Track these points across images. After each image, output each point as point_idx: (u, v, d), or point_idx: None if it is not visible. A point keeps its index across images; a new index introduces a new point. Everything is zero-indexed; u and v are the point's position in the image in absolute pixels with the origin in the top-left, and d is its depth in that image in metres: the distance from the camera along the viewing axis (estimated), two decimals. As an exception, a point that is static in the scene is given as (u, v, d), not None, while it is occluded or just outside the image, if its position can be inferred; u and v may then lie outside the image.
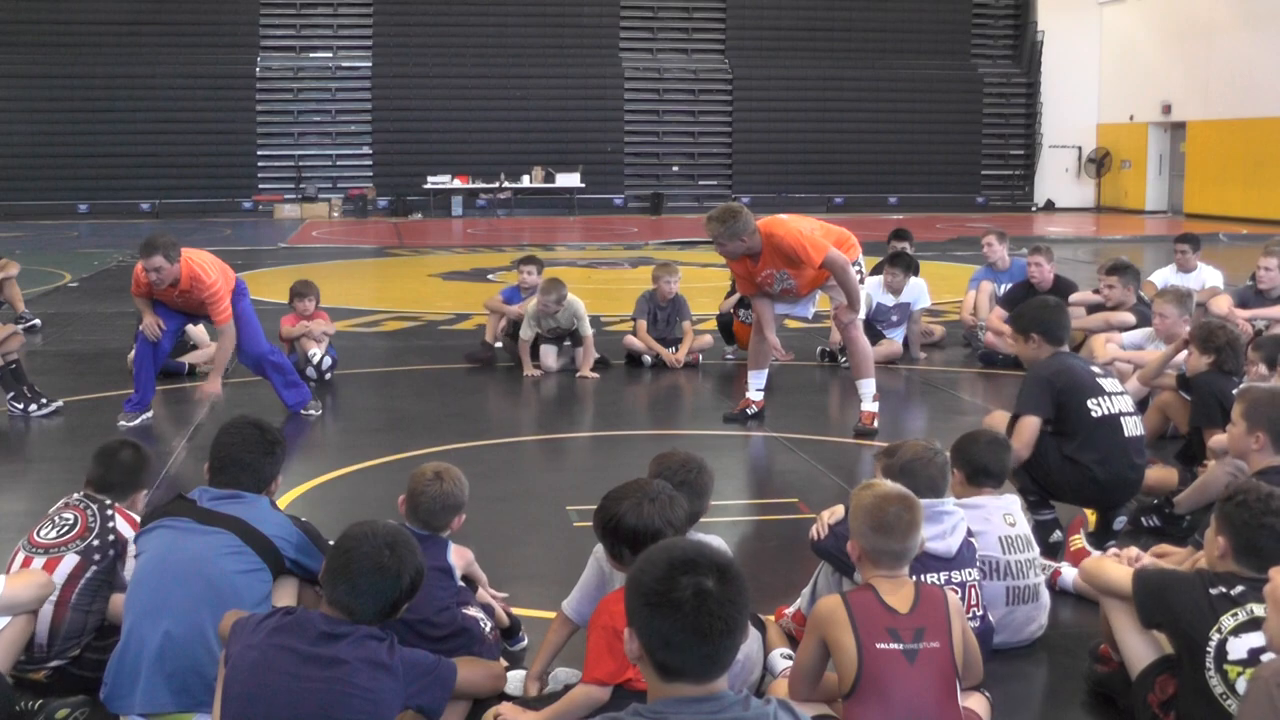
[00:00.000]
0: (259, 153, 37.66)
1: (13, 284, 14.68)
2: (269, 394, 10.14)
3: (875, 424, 9.33)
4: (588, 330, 11.76)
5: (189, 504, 4.73)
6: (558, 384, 11.51)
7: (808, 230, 9.22)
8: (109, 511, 5.08)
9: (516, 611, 5.40)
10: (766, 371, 9.87)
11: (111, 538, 5.01)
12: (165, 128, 36.39)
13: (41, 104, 36.15)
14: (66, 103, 36.31)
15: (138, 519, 5.06)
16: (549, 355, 11.81)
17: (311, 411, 10.03)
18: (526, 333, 11.76)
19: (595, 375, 11.58)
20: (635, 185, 39.10)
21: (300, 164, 37.85)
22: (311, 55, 38.46)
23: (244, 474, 4.79)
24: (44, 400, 10.05)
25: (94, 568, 4.93)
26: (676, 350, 12.12)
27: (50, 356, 12.76)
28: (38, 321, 14.79)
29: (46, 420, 9.93)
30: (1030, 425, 6.33)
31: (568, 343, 11.89)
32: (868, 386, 9.40)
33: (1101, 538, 6.43)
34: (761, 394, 9.84)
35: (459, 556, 4.98)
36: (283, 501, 7.27)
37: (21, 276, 15.09)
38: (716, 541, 4.00)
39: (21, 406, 9.98)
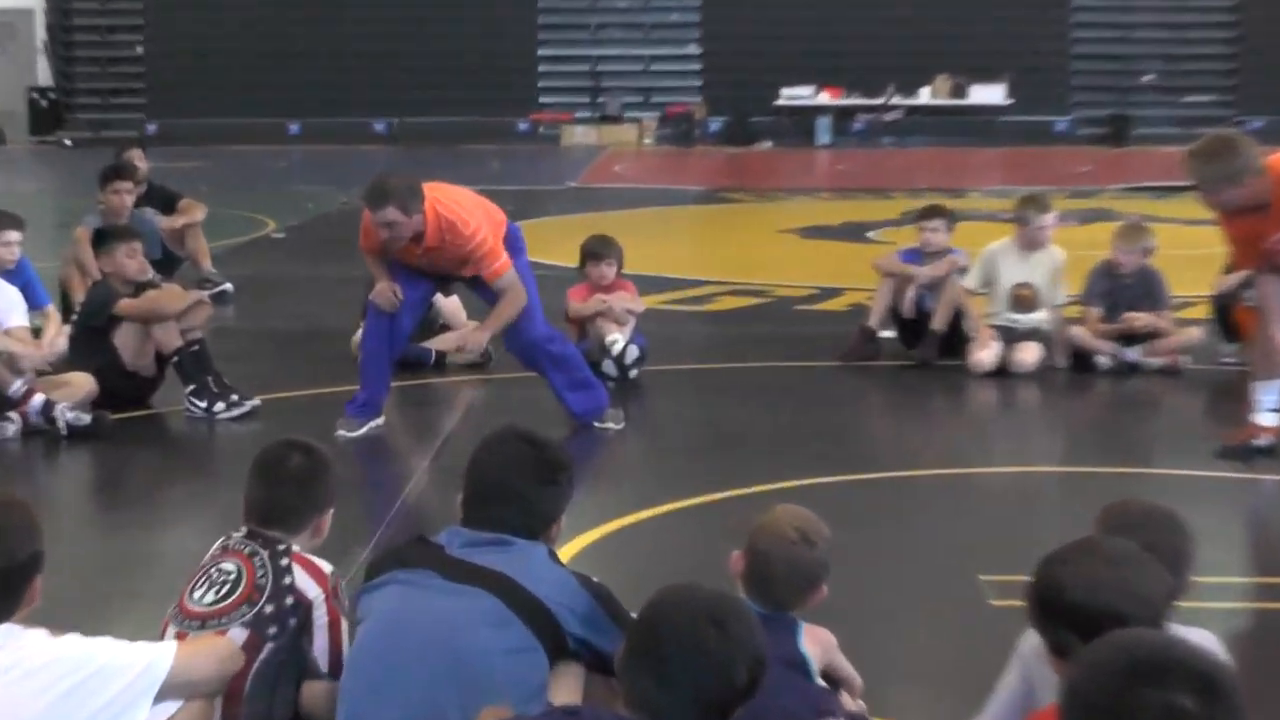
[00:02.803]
0: (540, 53, 38.62)
1: (197, 233, 15.42)
2: (547, 398, 10.30)
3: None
4: (1061, 299, 12.11)
5: (434, 551, 4.78)
6: (978, 392, 11.57)
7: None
8: (284, 561, 5.06)
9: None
10: None
11: (289, 601, 4.98)
12: (407, 21, 37.61)
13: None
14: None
15: (324, 567, 5.11)
16: (1028, 350, 11.76)
17: (609, 424, 10.15)
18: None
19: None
20: (1087, 103, 38.49)
21: (598, 70, 38.63)
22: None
23: (513, 511, 4.82)
24: (235, 397, 10.48)
25: (270, 644, 4.93)
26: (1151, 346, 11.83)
27: (246, 336, 13.37)
28: (229, 286, 15.49)
29: (238, 425, 10.36)
30: None
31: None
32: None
33: None
34: (1277, 417, 9.51)
35: (815, 643, 4.91)
36: (565, 552, 7.35)
37: (209, 224, 15.86)
38: (1204, 638, 3.87)
39: (205, 404, 10.43)
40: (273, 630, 4.96)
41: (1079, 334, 12.05)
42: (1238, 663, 4.04)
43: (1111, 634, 2.98)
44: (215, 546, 5.23)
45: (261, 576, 5.03)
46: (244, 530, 5.20)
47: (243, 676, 4.89)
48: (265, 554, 5.09)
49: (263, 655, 4.95)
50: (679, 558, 7.45)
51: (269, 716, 4.97)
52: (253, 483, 5.28)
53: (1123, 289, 12.09)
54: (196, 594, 5.06)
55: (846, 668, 5.20)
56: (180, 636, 4.93)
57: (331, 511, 5.36)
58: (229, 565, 5.11)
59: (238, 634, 4.92)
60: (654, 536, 8.06)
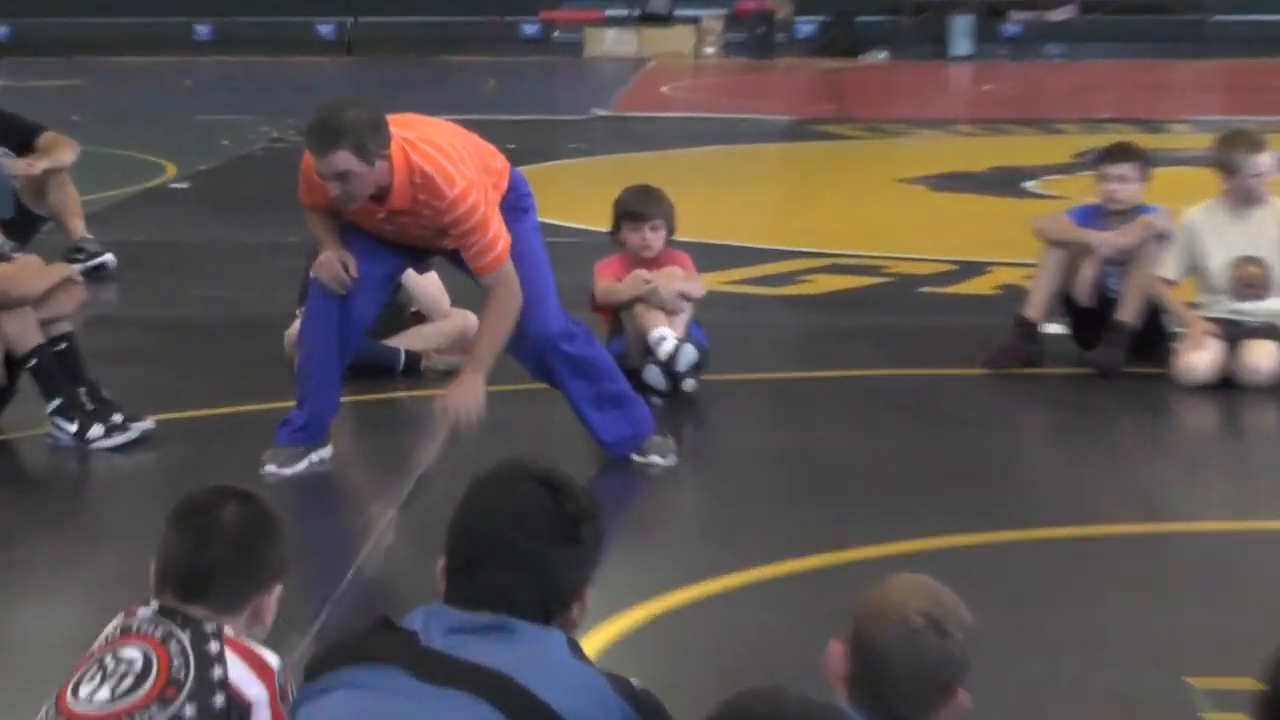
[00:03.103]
0: (555, -77, 38.75)
1: (64, 182, 15.40)
2: (566, 419, 10.32)
3: None
4: None
5: (403, 640, 4.79)
6: (1188, 413, 11.56)
7: None
8: (212, 646, 5.10)
9: None
10: None
11: (219, 701, 5.02)
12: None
13: None
14: None
15: (269, 659, 5.13)
16: (1262, 352, 11.72)
17: (653, 458, 10.16)
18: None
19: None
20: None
21: (638, -54, 38.78)
22: None
23: (519, 582, 4.81)
24: (118, 418, 10.48)
25: None
26: None
27: (135, 328, 13.44)
28: (110, 258, 15.55)
29: (122, 456, 10.38)
30: None
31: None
32: None
33: None
34: None
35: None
36: (592, 642, 7.36)
37: (81, 169, 15.92)
38: None
39: (75, 428, 10.44)
40: None
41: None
42: None
43: None
44: (111, 627, 5.20)
45: (179, 667, 5.03)
46: (154, 606, 5.18)
47: None
48: (185, 636, 5.08)
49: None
50: (752, 651, 7.42)
51: None
52: (171, 541, 5.27)
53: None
54: (83, 690, 5.04)
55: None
56: None
57: (280, 589, 5.34)
58: (131, 652, 5.08)
59: None
60: (717, 620, 8.05)
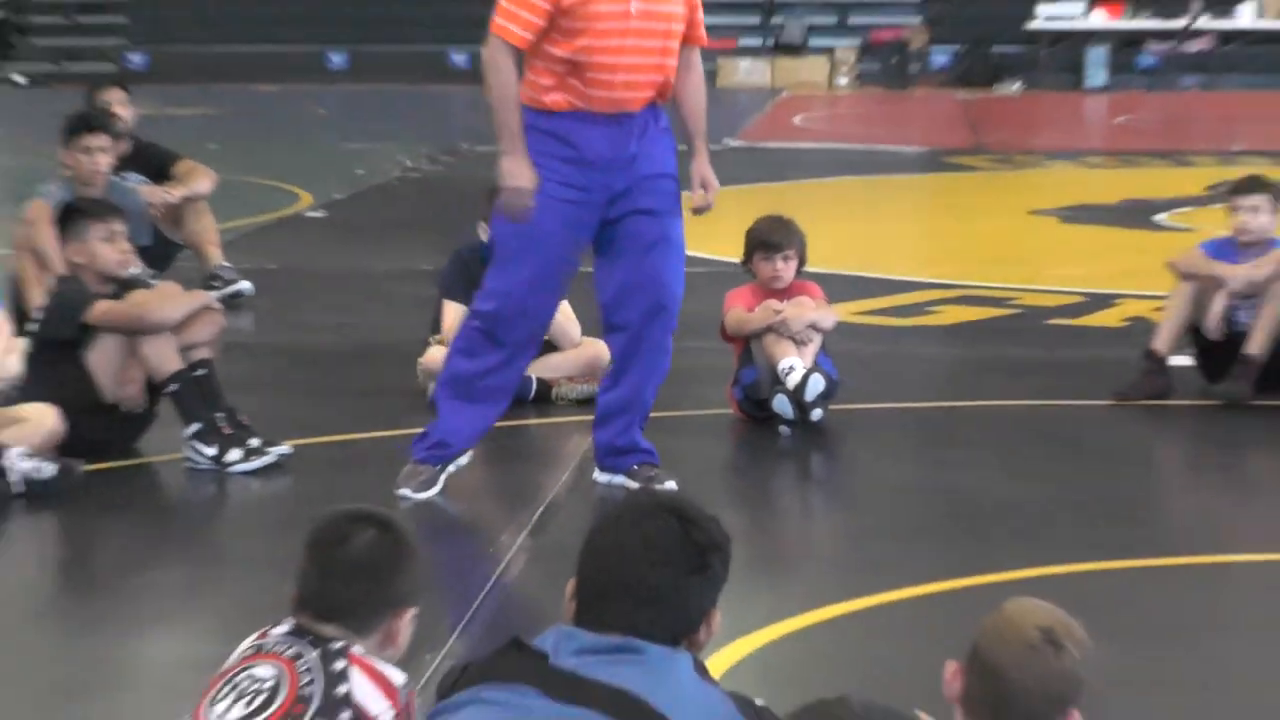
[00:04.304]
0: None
1: (202, 211, 15.51)
2: (695, 449, 10.36)
3: None
4: None
5: (534, 660, 4.85)
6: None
7: None
8: (339, 664, 5.17)
9: None
10: None
11: (344, 716, 5.12)
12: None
13: None
14: None
15: (394, 678, 5.20)
16: None
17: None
18: None
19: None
20: None
21: (771, -22, 38.77)
22: None
23: (648, 609, 4.87)
24: (255, 442, 10.59)
25: None
26: None
27: (269, 354, 13.58)
28: (245, 285, 15.65)
29: (258, 481, 10.49)
30: None
31: None
32: None
33: None
34: None
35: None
36: (718, 664, 7.43)
37: (219, 197, 16.01)
38: None
39: (213, 452, 10.54)
40: None
41: None
42: None
43: None
44: (245, 645, 5.30)
45: (307, 684, 5.11)
46: (288, 626, 5.29)
47: None
48: (314, 655, 5.17)
49: (303, 793, 5.07)
50: (877, 671, 7.46)
51: None
52: (307, 563, 5.36)
53: None
54: (218, 708, 5.13)
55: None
56: None
57: (413, 613, 5.41)
58: (263, 670, 5.18)
59: None
60: (841, 643, 8.12)
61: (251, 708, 5.10)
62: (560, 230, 9.53)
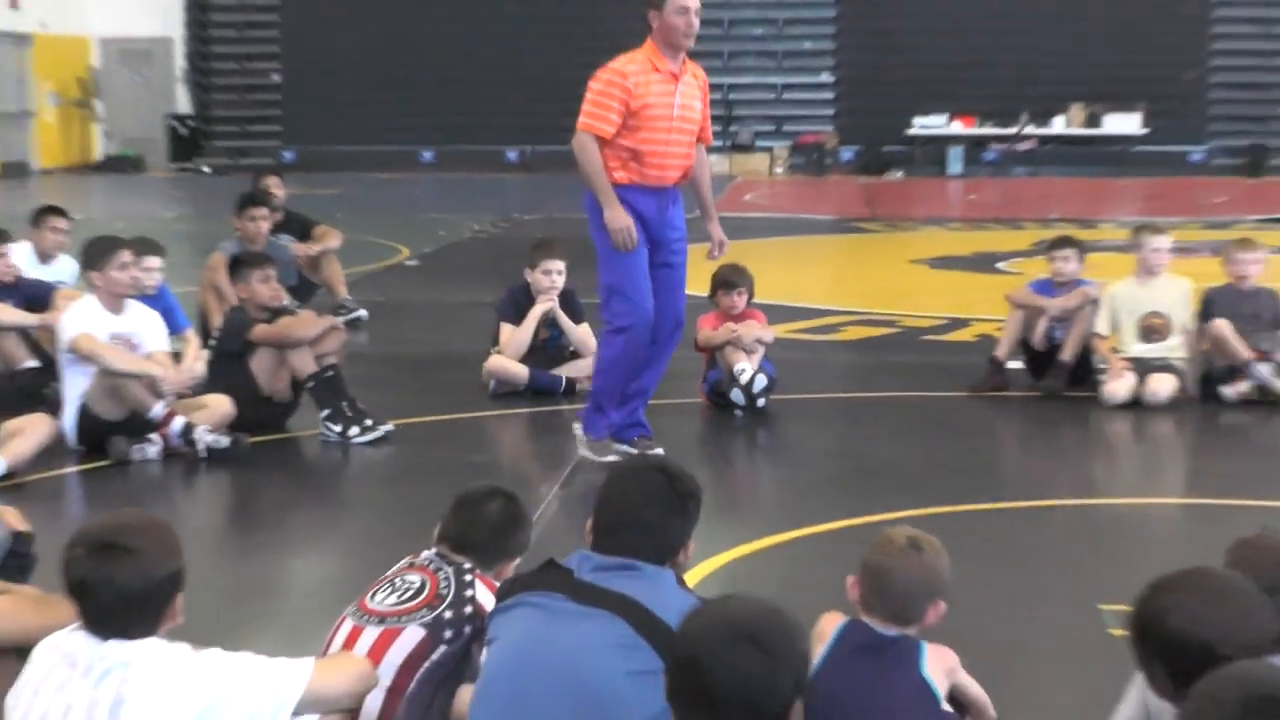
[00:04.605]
0: (671, 81, 38.70)
1: (332, 261, 15.57)
2: (679, 425, 10.30)
3: None
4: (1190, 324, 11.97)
5: (564, 574, 4.83)
6: (1110, 423, 11.51)
7: None
8: (468, 577, 5.28)
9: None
10: None
11: (469, 610, 5.19)
12: (538, 50, 37.72)
13: (373, 7, 38.36)
14: (405, 8, 38.39)
15: (502, 590, 5.24)
16: (1163, 382, 11.74)
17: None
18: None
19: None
20: (1224, 133, 37.98)
21: (729, 98, 38.60)
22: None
23: (644, 539, 4.85)
24: (369, 422, 10.58)
25: (443, 647, 5.12)
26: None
27: (379, 361, 13.49)
28: (363, 313, 15.62)
29: (371, 450, 10.47)
30: None
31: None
32: None
33: None
34: None
35: (939, 665, 4.87)
36: (693, 576, 7.39)
37: (344, 251, 16.02)
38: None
39: (339, 429, 10.55)
40: (448, 634, 5.19)
41: (1219, 332, 11.87)
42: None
43: (1229, 668, 2.94)
44: (402, 562, 5.49)
45: (445, 587, 5.31)
46: (433, 551, 5.46)
47: (409, 674, 5.12)
48: (450, 570, 5.37)
49: (434, 657, 5.16)
50: (806, 581, 7.48)
51: (424, 717, 5.14)
52: (451, 516, 5.55)
53: (1244, 303, 12.09)
54: (379, 596, 5.32)
55: (973, 688, 5.15)
56: (356, 631, 5.20)
57: (518, 561, 5.61)
58: (414, 577, 5.38)
59: (413, 633, 5.16)
60: (783, 562, 8.10)
61: (404, 597, 5.30)
62: (640, 249, 9.67)
